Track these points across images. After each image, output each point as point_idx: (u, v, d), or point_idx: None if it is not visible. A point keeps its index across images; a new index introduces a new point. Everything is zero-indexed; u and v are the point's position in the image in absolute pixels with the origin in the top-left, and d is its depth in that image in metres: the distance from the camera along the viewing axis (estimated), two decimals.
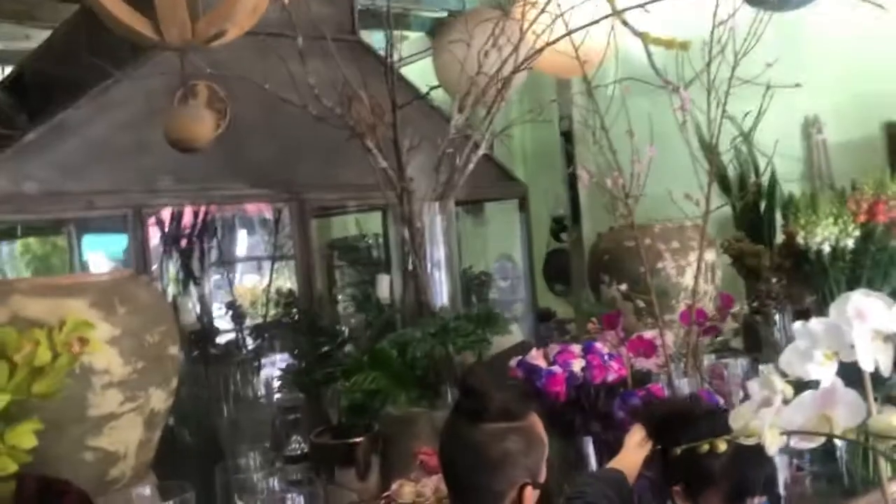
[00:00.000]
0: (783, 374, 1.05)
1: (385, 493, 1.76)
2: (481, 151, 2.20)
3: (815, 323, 1.04)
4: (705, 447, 1.01)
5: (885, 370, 0.98)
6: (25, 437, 1.38)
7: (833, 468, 2.36)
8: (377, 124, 2.30)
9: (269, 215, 3.89)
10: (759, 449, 1.40)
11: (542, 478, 1.40)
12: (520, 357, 2.07)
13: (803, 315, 2.88)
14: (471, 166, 2.18)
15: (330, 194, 3.01)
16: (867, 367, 0.97)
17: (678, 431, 1.43)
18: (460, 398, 1.39)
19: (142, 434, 1.65)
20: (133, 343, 1.61)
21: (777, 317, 2.77)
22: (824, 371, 1.00)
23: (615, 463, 1.70)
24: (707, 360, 2.41)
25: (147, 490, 1.56)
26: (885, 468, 1.08)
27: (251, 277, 4.22)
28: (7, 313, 1.53)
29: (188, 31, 1.94)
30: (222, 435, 2.93)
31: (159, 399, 1.67)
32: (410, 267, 2.19)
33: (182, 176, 2.62)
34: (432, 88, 2.48)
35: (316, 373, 2.05)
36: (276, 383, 3.35)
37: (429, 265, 2.22)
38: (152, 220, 3.00)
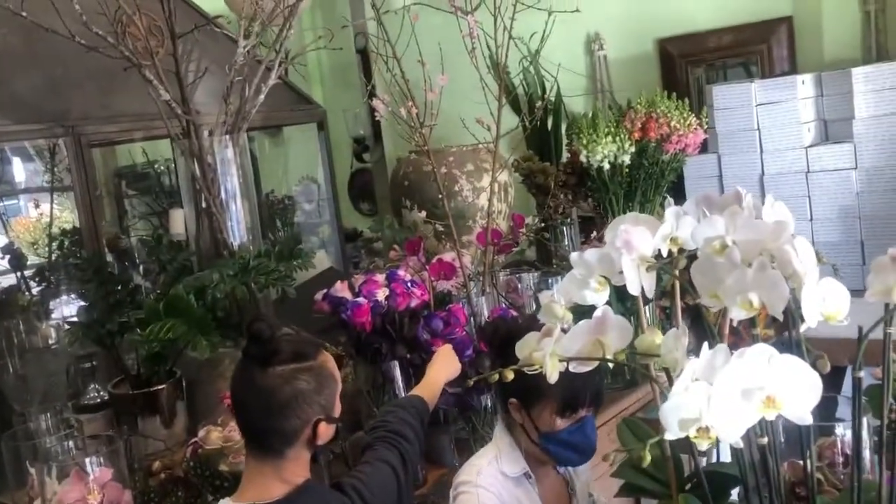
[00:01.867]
0: (561, 302, 1.13)
1: (192, 440, 1.74)
2: (272, 80, 2.12)
3: (590, 253, 1.12)
4: (495, 377, 1.09)
5: (649, 292, 1.09)
6: None
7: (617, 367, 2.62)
8: (157, 52, 2.15)
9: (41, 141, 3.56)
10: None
11: (337, 412, 1.46)
12: (325, 290, 2.08)
13: (590, 223, 3.09)
14: (262, 96, 2.10)
15: (109, 126, 2.80)
16: (634, 291, 1.07)
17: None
18: (248, 344, 1.40)
19: None
20: None
21: (564, 230, 2.95)
22: (598, 296, 1.09)
23: (418, 389, 1.77)
24: (502, 276, 2.55)
25: None
26: (653, 368, 1.21)
27: (29, 214, 3.87)
28: None
29: None
30: (10, 392, 2.73)
31: None
32: (204, 204, 2.10)
33: None
34: (215, 17, 2.34)
35: (109, 323, 1.94)
36: (67, 335, 3.15)
37: (224, 200, 2.14)
38: None
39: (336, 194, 4.06)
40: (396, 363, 2.05)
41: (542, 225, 2.61)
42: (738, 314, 0.95)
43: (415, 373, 2.10)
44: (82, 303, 2.78)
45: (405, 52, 2.12)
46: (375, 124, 4.63)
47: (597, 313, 1.03)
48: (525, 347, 1.03)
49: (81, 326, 1.95)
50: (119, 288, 2.00)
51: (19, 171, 3.83)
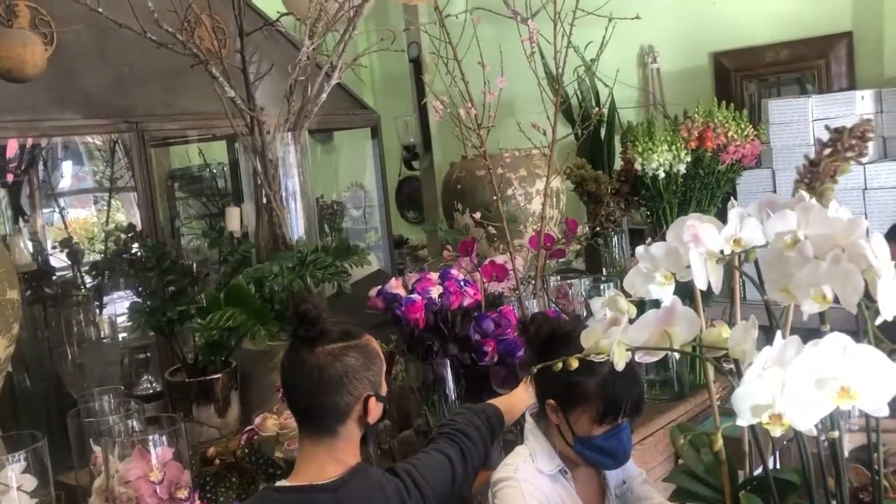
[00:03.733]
0: (627, 295, 1.14)
1: (248, 428, 1.77)
2: (335, 80, 2.16)
3: (656, 247, 1.12)
4: (559, 365, 1.08)
5: (716, 287, 1.09)
6: None
7: (665, 376, 2.60)
8: (222, 51, 2.21)
9: (99, 141, 3.66)
10: (630, 373, 1.52)
11: (384, 391, 1.50)
12: (379, 287, 2.10)
13: (639, 235, 3.08)
14: (324, 95, 2.14)
15: (171, 124, 2.88)
16: (701, 285, 1.07)
17: (559, 349, 1.51)
18: (296, 326, 1.44)
19: None
20: None
21: (615, 239, 2.94)
22: (664, 291, 1.09)
23: (497, 401, 1.79)
24: (553, 281, 2.55)
25: None
26: (711, 373, 1.20)
27: (86, 212, 3.98)
28: None
29: None
30: (68, 380, 2.80)
31: (0, 347, 1.58)
32: (264, 200, 2.15)
33: (6, 106, 2.42)
34: (281, 16, 2.39)
35: (169, 311, 1.99)
36: (123, 323, 3.22)
37: (283, 197, 2.18)
38: None
39: (387, 200, 4.10)
40: (447, 361, 2.06)
41: (593, 233, 2.61)
42: (809, 308, 0.94)
43: (465, 373, 2.11)
44: (137, 295, 2.86)
45: (465, 55, 2.15)
46: (426, 132, 4.67)
47: (665, 303, 1.03)
48: (591, 336, 1.04)
49: (143, 313, 2.00)
50: (179, 277, 2.04)
51: (75, 173, 3.95)
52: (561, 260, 2.67)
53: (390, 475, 1.50)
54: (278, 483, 1.46)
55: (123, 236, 3.51)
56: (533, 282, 2.35)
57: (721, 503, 1.31)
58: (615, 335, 1.00)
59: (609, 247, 2.83)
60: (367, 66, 4.90)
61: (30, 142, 3.19)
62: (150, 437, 1.44)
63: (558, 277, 2.62)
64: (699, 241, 1.08)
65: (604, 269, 2.82)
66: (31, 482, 1.37)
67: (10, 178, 3.28)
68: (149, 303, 2.01)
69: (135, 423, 1.54)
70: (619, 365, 0.99)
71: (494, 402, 1.82)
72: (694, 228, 1.08)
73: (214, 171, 4.38)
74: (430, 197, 4.76)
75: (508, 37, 2.26)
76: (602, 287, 2.41)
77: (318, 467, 1.43)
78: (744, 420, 0.85)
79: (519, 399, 1.84)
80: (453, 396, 2.08)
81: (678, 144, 2.48)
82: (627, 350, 1.00)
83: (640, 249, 1.12)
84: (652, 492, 1.70)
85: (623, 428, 1.55)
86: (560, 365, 1.05)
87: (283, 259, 1.94)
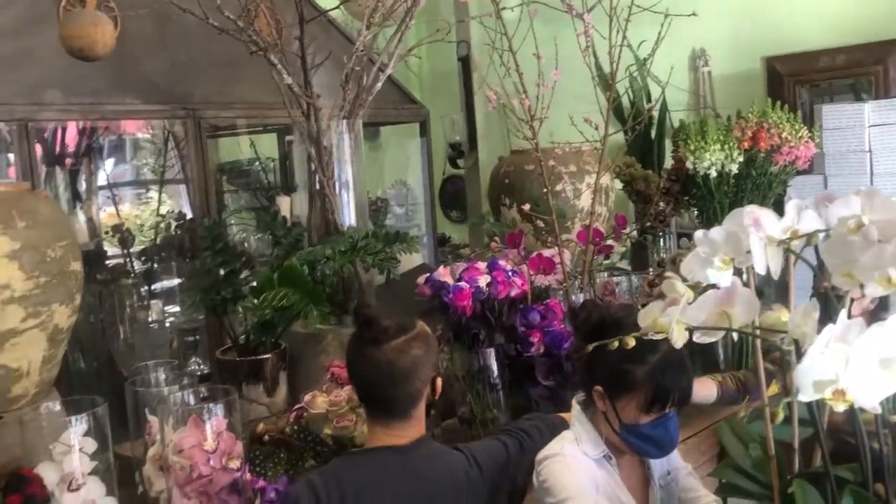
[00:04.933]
0: (684, 280, 1.14)
1: (297, 406, 1.80)
2: (390, 69, 2.19)
3: (715, 231, 1.12)
4: (614, 344, 1.09)
5: (775, 273, 1.09)
6: None
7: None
8: (280, 38, 2.25)
9: (149, 134, 3.74)
10: (680, 363, 1.52)
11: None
12: (427, 274, 2.12)
13: (688, 237, 3.06)
14: (379, 84, 2.17)
15: (226, 112, 2.93)
16: (761, 270, 1.07)
17: (608, 336, 1.52)
18: (360, 329, 1.55)
19: (45, 351, 1.61)
20: (35, 257, 1.55)
21: (663, 239, 2.93)
22: (722, 276, 1.09)
23: (567, 416, 1.80)
24: (599, 278, 2.54)
25: (57, 405, 1.53)
26: (759, 355, 1.20)
27: (139, 199, 4.07)
28: None
29: None
30: (120, 359, 2.88)
31: (63, 315, 1.63)
32: (317, 186, 2.18)
33: (71, 89, 2.49)
34: (342, 2, 2.43)
35: (223, 291, 2.03)
36: (172, 308, 3.30)
37: (336, 184, 2.21)
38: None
39: (433, 198, 4.12)
40: (493, 351, 2.07)
41: (641, 232, 2.60)
42: (874, 291, 0.94)
43: (510, 363, 2.12)
44: (187, 280, 2.92)
45: (519, 47, 2.16)
46: (472, 130, 4.69)
47: (726, 284, 1.03)
48: (648, 315, 1.04)
49: (198, 291, 2.04)
50: (232, 259, 2.08)
51: (130, 161, 4.04)
52: (606, 262, 2.67)
53: (453, 449, 1.60)
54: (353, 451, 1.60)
55: (174, 223, 3.60)
56: (580, 277, 2.35)
57: (768, 498, 1.31)
58: (674, 314, 1.00)
59: (656, 247, 2.82)
60: (416, 64, 4.93)
61: (88, 126, 3.28)
62: (205, 407, 1.47)
63: (605, 274, 2.62)
64: (760, 226, 1.08)
65: (650, 269, 2.81)
66: (91, 445, 1.41)
67: (68, 162, 3.37)
68: (205, 282, 2.05)
69: (189, 395, 1.58)
70: (678, 343, 0.99)
71: (564, 415, 1.84)
72: (755, 213, 1.09)
73: (263, 165, 4.43)
74: (474, 195, 4.77)
75: (562, 32, 2.27)
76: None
77: (388, 435, 1.53)
78: (806, 396, 0.85)
79: None
80: (498, 386, 2.09)
81: (731, 144, 2.47)
82: (686, 329, 1.00)
83: (698, 234, 1.12)
84: (697, 484, 1.69)
85: (670, 417, 1.54)
86: (616, 344, 1.06)
87: (336, 243, 1.97)
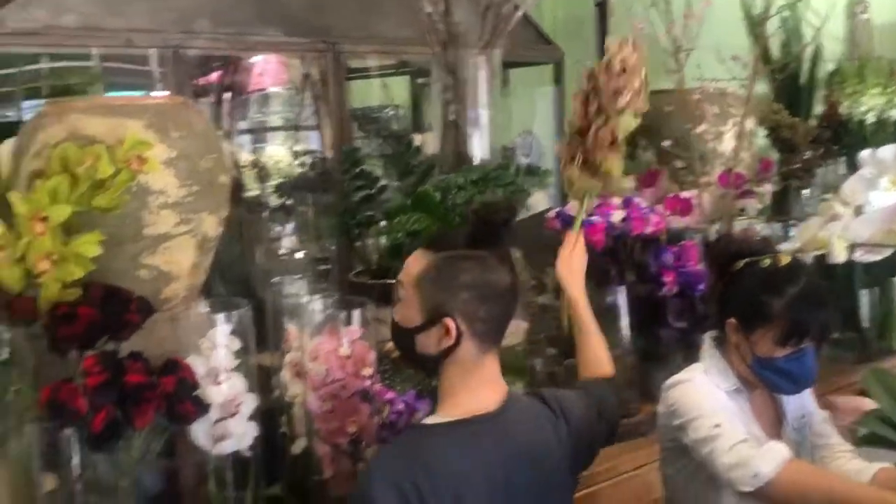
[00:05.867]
0: (844, 203, 1.08)
1: None
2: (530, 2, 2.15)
3: (884, 150, 1.05)
4: (766, 261, 1.04)
5: None
6: (90, 246, 1.42)
7: (849, 336, 2.43)
8: None
9: (287, 86, 3.84)
10: (820, 294, 1.45)
11: None
12: (558, 208, 2.10)
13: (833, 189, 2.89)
14: (519, 13, 2.13)
15: (364, 46, 2.97)
16: None
17: (745, 269, 1.47)
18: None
19: (194, 257, 1.69)
20: (187, 166, 1.62)
21: (806, 190, 2.77)
22: (889, 196, 1.02)
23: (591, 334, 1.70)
24: (738, 225, 2.44)
25: (203, 305, 1.62)
26: None
27: (277, 136, 4.20)
28: (65, 131, 1.54)
29: None
30: (256, 283, 3.01)
31: (211, 224, 1.71)
32: (452, 116, 2.18)
33: (219, 19, 2.59)
34: None
35: (358, 215, 2.08)
36: (305, 240, 3.42)
37: (471, 116, 2.21)
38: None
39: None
40: (623, 289, 2.03)
41: (787, 178, 2.47)
42: None
43: (639, 304, 2.08)
44: (322, 211, 3.00)
45: None
46: None
47: (893, 202, 0.96)
48: (807, 230, 0.99)
49: (334, 215, 2.10)
50: (368, 183, 2.13)
51: (269, 99, 4.16)
52: (743, 218, 2.56)
53: (538, 400, 1.44)
54: (429, 420, 1.34)
55: (309, 160, 3.71)
56: (718, 222, 2.26)
57: None
58: (835, 229, 0.95)
59: (799, 196, 2.69)
60: (549, 9, 4.82)
61: (231, 63, 3.41)
62: (341, 315, 1.52)
63: (745, 223, 2.51)
64: None
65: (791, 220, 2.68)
66: (235, 343, 1.49)
67: (212, 97, 3.52)
68: (343, 206, 2.10)
69: (326, 303, 1.63)
70: (839, 258, 0.94)
71: (589, 333, 1.73)
72: None
73: (393, 111, 4.47)
74: None
75: None
76: (790, 231, 2.28)
77: (471, 394, 1.32)
78: None
79: (580, 297, 1.75)
80: (626, 325, 2.06)
81: (892, 88, 2.30)
82: (848, 246, 0.95)
83: (864, 153, 1.06)
84: (832, 432, 1.62)
85: (807, 352, 1.48)
86: (768, 261, 1.01)
87: (469, 172, 1.98)
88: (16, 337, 1.45)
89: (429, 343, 1.32)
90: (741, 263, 1.48)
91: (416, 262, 1.45)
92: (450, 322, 1.29)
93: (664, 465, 1.62)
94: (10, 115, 2.69)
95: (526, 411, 1.39)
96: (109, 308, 1.38)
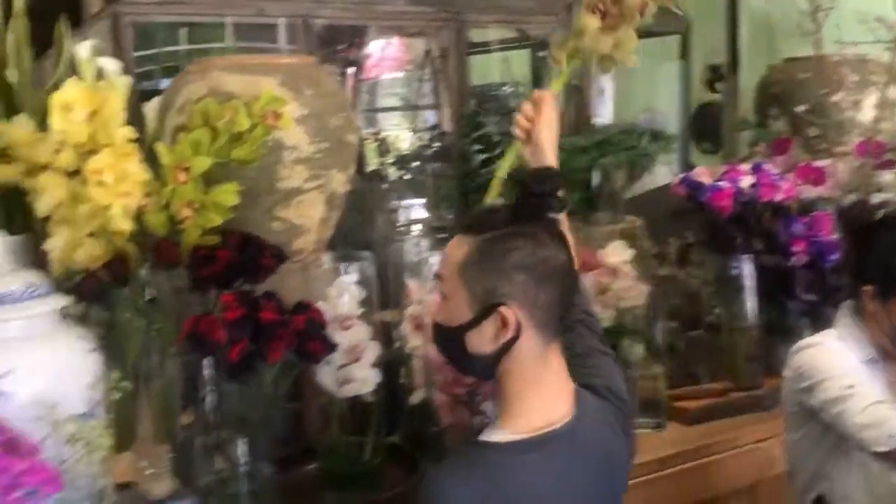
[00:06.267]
0: None
1: None
2: None
3: None
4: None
5: None
6: (228, 195, 1.50)
7: None
8: None
9: (407, 69, 3.89)
10: None
11: None
12: (683, 175, 2.05)
13: None
14: None
15: (487, 16, 2.97)
16: None
17: (881, 234, 1.42)
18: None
19: (323, 212, 1.75)
20: (318, 124, 1.69)
21: None
22: None
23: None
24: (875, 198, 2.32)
25: (329, 258, 1.69)
26: None
27: (396, 116, 4.28)
28: (206, 87, 1.64)
29: None
30: (376, 249, 3.09)
31: (339, 181, 1.77)
32: (575, 81, 2.17)
33: None
34: None
35: (478, 178, 2.11)
36: (422, 212, 3.47)
37: (593, 84, 2.19)
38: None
39: (687, 123, 3.94)
40: (749, 258, 1.97)
41: None
42: None
43: (765, 273, 2.01)
44: (442, 182, 3.03)
45: None
46: (734, 50, 4.39)
47: None
48: None
49: (455, 179, 2.13)
50: (488, 148, 2.15)
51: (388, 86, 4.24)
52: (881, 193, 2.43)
53: (597, 398, 1.26)
54: (496, 437, 1.15)
55: (429, 135, 3.76)
56: (854, 193, 2.16)
57: None
58: None
59: None
60: None
61: (356, 40, 3.49)
62: None
63: (882, 195, 2.38)
64: None
65: None
66: (360, 293, 1.54)
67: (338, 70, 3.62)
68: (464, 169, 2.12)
69: None
70: None
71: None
72: None
73: (514, 88, 4.46)
74: (729, 123, 4.50)
75: None
76: None
77: (540, 401, 1.16)
78: None
79: (551, 143, 1.49)
80: (751, 297, 2.00)
81: None
82: None
83: None
84: None
85: None
86: None
87: (589, 134, 1.96)
88: (160, 280, 1.55)
89: (483, 341, 1.14)
90: (878, 226, 1.43)
91: (456, 249, 1.18)
92: (506, 311, 1.11)
93: (789, 431, 1.58)
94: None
95: (594, 413, 1.22)
96: (246, 253, 1.46)
